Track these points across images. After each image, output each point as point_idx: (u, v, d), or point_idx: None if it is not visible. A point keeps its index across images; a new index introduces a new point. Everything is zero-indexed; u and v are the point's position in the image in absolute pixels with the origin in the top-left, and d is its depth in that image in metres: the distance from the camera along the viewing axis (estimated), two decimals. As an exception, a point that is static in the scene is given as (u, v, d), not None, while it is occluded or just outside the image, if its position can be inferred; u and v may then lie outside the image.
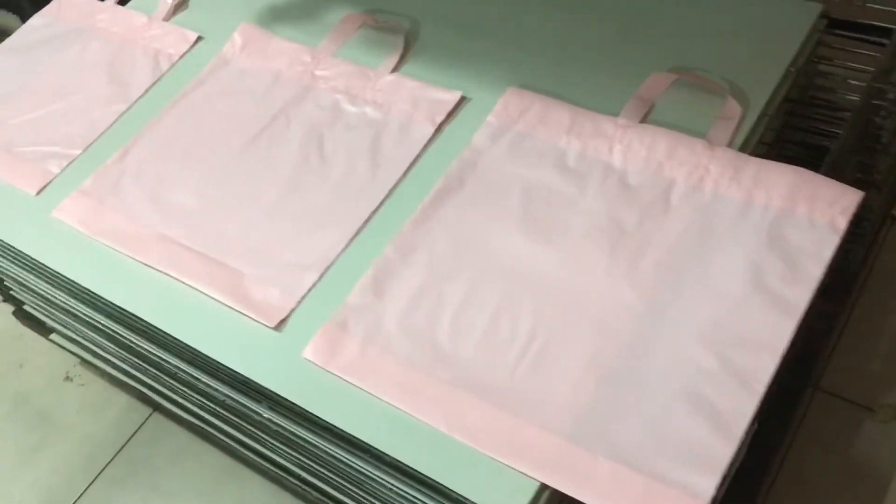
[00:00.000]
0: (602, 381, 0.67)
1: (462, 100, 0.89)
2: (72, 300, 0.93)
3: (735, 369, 0.64)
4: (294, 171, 0.88)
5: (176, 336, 0.79)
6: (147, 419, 1.26)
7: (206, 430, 1.03)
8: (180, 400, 0.99)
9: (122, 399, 1.28)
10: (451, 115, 0.88)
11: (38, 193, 0.92)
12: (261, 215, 0.85)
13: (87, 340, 1.08)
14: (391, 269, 0.78)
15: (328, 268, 0.80)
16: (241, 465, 1.16)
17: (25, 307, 1.17)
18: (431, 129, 0.88)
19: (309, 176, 0.87)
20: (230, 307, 0.78)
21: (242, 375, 0.75)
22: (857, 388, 1.09)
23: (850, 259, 1.00)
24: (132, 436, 1.24)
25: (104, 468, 1.21)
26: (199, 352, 0.77)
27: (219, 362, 0.76)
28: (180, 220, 0.86)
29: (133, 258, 0.84)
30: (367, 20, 1.00)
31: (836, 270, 1.00)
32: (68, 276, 0.85)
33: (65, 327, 1.10)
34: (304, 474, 0.89)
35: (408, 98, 0.91)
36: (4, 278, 1.08)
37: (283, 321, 0.76)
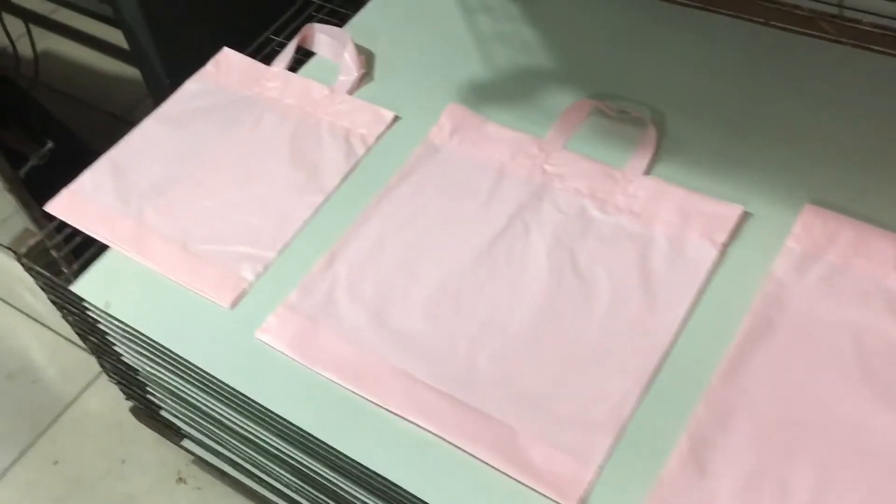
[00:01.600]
0: None
1: (743, 215, 0.77)
2: (260, 429, 0.78)
3: None
4: (546, 293, 0.74)
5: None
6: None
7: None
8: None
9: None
10: (733, 234, 0.76)
11: (232, 306, 0.78)
12: (515, 349, 0.71)
13: (238, 455, 0.93)
14: (710, 438, 0.64)
15: (623, 426, 0.66)
16: None
17: (163, 412, 1.01)
18: (714, 252, 0.74)
19: (566, 301, 0.74)
20: (506, 474, 0.64)
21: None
22: None
23: None
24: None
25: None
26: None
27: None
28: (416, 350, 0.72)
29: (363, 397, 0.70)
30: (602, 107, 0.88)
31: None
32: (280, 415, 0.71)
33: (213, 439, 0.95)
34: None
35: (673, 208, 0.78)
36: (150, 383, 0.93)
37: (583, 499, 0.63)
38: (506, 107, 0.90)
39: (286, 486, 0.91)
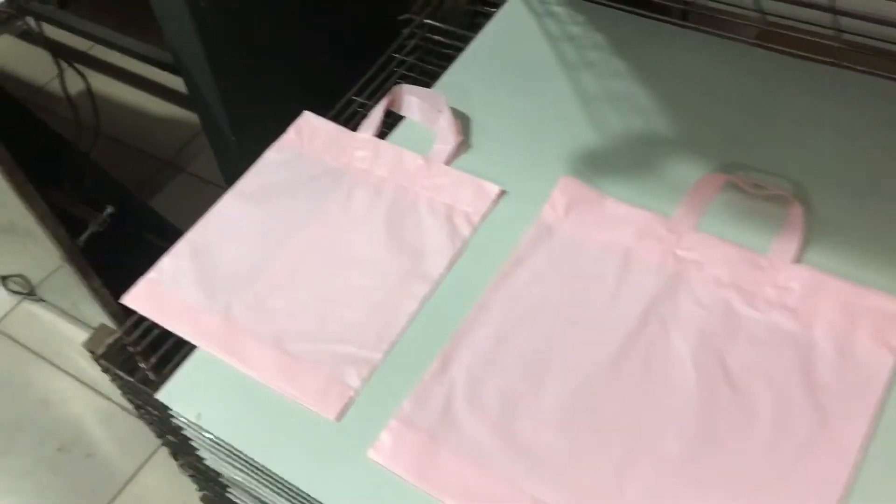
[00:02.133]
0: None
1: (918, 313, 0.68)
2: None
3: None
4: (698, 409, 0.65)
5: None
6: None
7: None
8: None
9: None
10: (908, 335, 0.67)
11: (338, 419, 0.70)
12: (668, 481, 0.62)
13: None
14: None
15: (810, 579, 0.57)
16: None
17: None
18: (891, 359, 0.65)
19: (722, 419, 0.64)
20: None
21: None
22: None
23: None
24: None
25: None
26: None
27: None
28: (550, 477, 0.63)
29: (501, 535, 0.62)
30: (734, 181, 0.79)
31: None
32: (402, 551, 0.63)
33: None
34: None
35: (835, 305, 0.69)
36: (231, 485, 0.85)
37: None
38: (623, 179, 0.82)
39: None
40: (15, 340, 1.43)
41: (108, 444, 1.25)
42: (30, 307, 1.48)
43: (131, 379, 0.73)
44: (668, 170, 0.82)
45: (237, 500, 0.89)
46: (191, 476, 0.93)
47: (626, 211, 0.78)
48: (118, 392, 0.84)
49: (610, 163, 0.83)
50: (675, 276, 0.74)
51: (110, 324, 1.25)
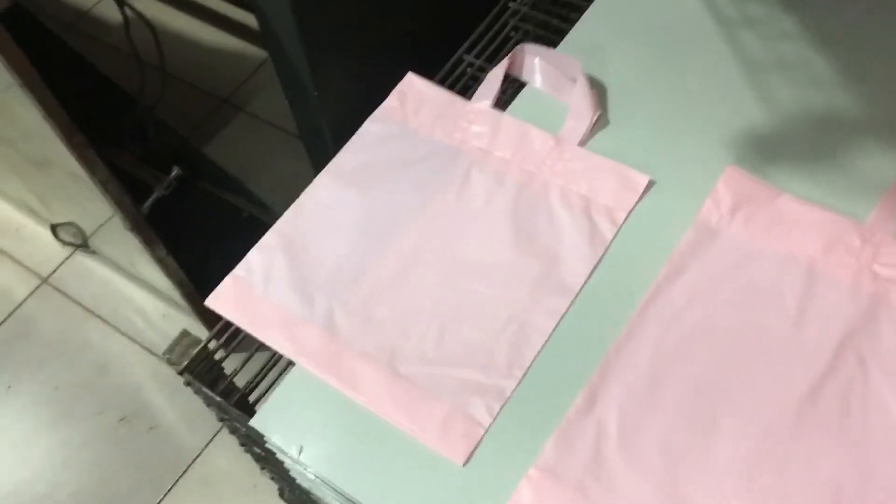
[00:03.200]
0: None
1: None
2: None
3: None
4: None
5: None
6: None
7: None
8: None
9: None
10: None
11: (466, 462, 0.59)
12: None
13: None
14: None
15: None
16: None
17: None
18: None
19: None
20: None
21: None
22: None
23: None
24: None
25: None
26: None
27: None
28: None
29: None
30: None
31: None
32: None
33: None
34: None
35: None
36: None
37: None
38: (802, 171, 0.68)
39: None
40: (68, 296, 1.34)
41: (173, 417, 1.17)
42: (83, 260, 1.38)
43: (222, 400, 0.63)
44: (860, 161, 0.67)
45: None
46: (280, 484, 0.85)
47: (809, 213, 0.65)
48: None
49: (783, 149, 0.69)
50: (874, 301, 0.60)
51: (176, 296, 1.14)
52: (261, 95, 1.57)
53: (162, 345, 1.27)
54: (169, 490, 1.09)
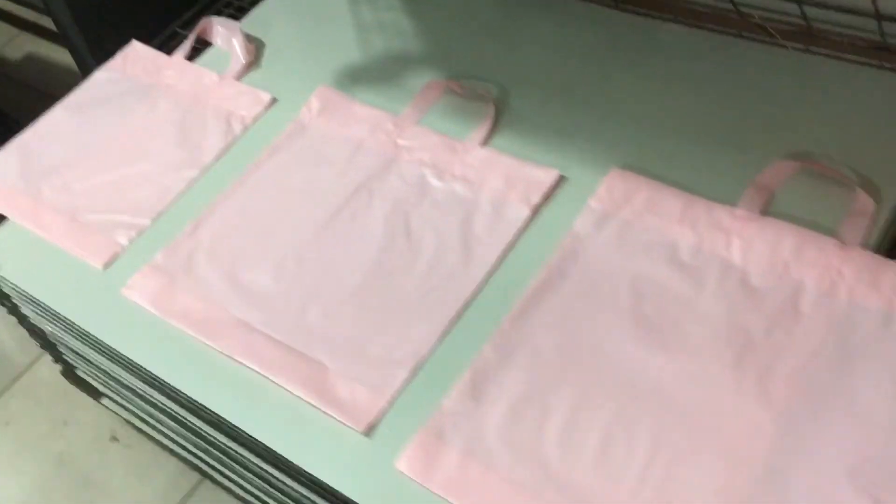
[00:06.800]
0: (738, 519, 0.60)
1: (559, 179, 0.84)
2: (134, 379, 0.87)
3: (893, 515, 0.58)
4: (379, 252, 0.83)
5: (253, 435, 0.73)
6: (197, 486, 1.21)
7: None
8: (239, 480, 0.94)
9: (170, 464, 1.22)
10: (547, 195, 0.83)
11: (105, 267, 0.88)
12: (344, 301, 0.80)
13: (139, 410, 1.03)
14: (490, 372, 0.72)
15: (420, 364, 0.74)
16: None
17: (77, 371, 1.12)
18: (527, 212, 0.82)
19: (395, 259, 0.82)
20: (313, 405, 0.73)
21: (327, 484, 0.69)
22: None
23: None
24: (180, 504, 1.19)
25: (151, 538, 1.16)
26: (277, 453, 0.72)
27: (300, 467, 0.71)
28: (258, 304, 0.81)
29: (207, 344, 0.79)
30: (452, 86, 0.95)
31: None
32: (136, 361, 0.80)
33: (117, 395, 1.05)
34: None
35: (501, 175, 0.85)
36: (57, 343, 1.03)
37: (372, 424, 0.71)
38: (372, 88, 0.99)
39: (170, 438, 1.01)
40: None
41: (9, 343, 1.43)
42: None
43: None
44: (407, 80, 0.99)
45: (73, 363, 1.08)
46: (40, 347, 1.11)
47: (366, 111, 0.95)
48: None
49: (364, 75, 1.00)
50: (390, 160, 0.91)
51: None
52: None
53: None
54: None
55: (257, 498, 0.93)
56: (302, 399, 0.73)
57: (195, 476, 1.21)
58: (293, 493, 0.79)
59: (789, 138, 0.81)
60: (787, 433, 0.63)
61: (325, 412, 0.72)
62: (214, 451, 0.90)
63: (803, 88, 0.87)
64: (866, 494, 0.58)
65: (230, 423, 0.74)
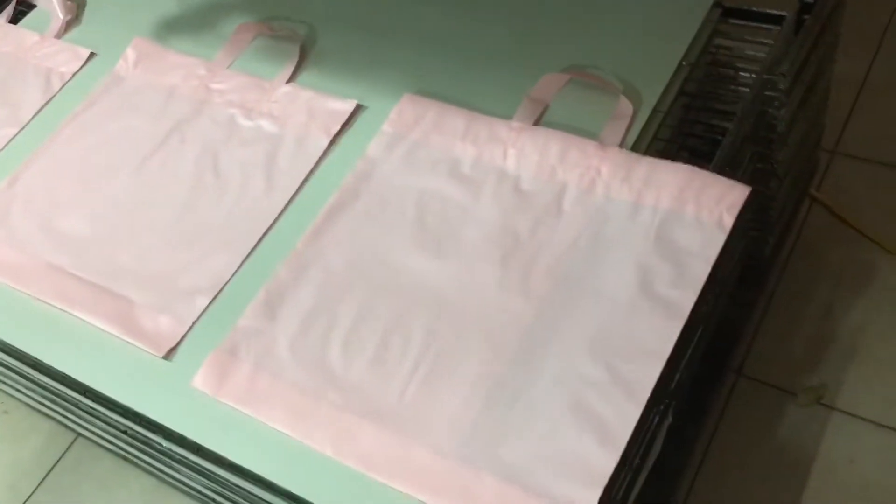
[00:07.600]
0: (490, 397, 0.66)
1: (358, 109, 0.88)
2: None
3: (621, 378, 0.63)
4: (189, 191, 0.86)
5: (64, 370, 0.76)
6: (71, 445, 1.23)
7: (128, 456, 1.01)
8: (92, 428, 0.97)
9: (45, 425, 1.25)
10: (347, 125, 0.87)
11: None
12: (155, 240, 0.83)
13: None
14: (283, 291, 0.76)
15: (220, 291, 0.77)
16: (167, 488, 1.13)
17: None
18: (326, 141, 0.85)
19: (203, 196, 0.85)
20: (119, 338, 0.77)
21: (133, 409, 0.73)
22: (779, 372, 1.09)
23: (761, 246, 1.00)
24: (56, 462, 1.21)
25: (29, 497, 1.18)
26: (89, 386, 0.75)
27: (109, 396, 0.74)
28: (70, 249, 0.84)
29: (18, 290, 0.82)
30: (262, 29, 0.98)
31: (750, 258, 1.01)
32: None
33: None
34: (218, 498, 0.88)
35: (304, 109, 0.89)
36: None
37: (172, 349, 0.75)
38: (188, 36, 1.01)
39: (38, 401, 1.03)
40: None
41: None
42: None
43: None
44: (218, 25, 1.01)
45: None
46: None
47: (180, 59, 0.98)
48: None
49: (181, 25, 1.02)
50: (202, 104, 0.93)
51: None
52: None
53: None
54: None
55: (111, 443, 0.97)
56: (109, 332, 0.77)
57: (70, 435, 1.23)
58: (119, 426, 0.82)
59: (564, 52, 0.86)
60: (541, 318, 0.68)
61: (129, 342, 0.76)
62: (63, 402, 0.94)
63: (575, 4, 0.91)
64: (603, 363, 0.65)
65: (34, 357, 0.78)
